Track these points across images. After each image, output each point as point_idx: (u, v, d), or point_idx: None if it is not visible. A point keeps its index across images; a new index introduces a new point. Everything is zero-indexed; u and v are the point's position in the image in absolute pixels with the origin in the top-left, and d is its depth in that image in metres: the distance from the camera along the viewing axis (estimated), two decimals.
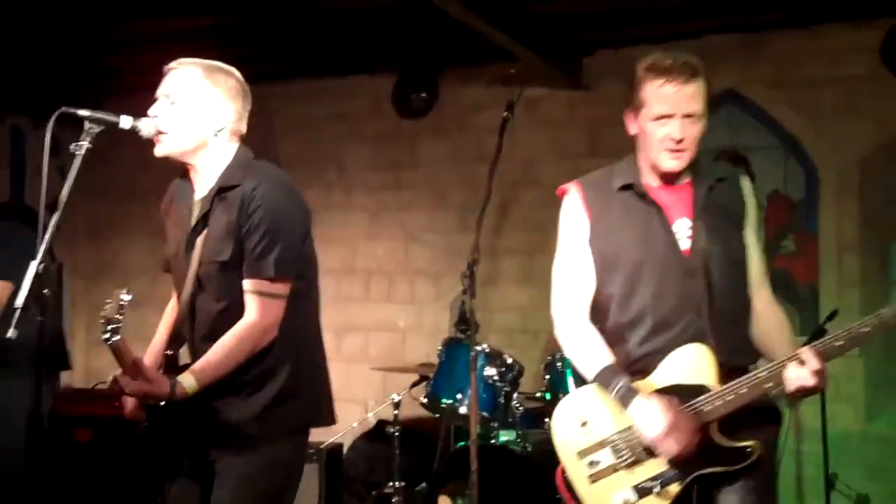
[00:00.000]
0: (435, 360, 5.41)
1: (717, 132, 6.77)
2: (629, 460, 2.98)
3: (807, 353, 2.89)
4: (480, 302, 4.62)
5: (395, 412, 5.59)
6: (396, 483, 5.54)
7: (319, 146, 7.82)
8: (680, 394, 2.95)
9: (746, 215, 3.15)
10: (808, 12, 6.32)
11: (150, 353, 3.36)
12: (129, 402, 3.26)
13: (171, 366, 3.21)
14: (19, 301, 2.68)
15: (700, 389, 2.94)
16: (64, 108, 2.89)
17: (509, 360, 5.21)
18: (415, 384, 5.84)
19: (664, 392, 2.96)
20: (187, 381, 3.00)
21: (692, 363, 2.97)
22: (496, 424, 5.07)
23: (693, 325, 3.00)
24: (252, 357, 3.09)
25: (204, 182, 3.24)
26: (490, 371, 5.10)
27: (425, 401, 5.32)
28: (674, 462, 2.91)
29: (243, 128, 3.29)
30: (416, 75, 7.49)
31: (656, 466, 2.94)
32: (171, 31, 6.22)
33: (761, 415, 3.05)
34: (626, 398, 2.95)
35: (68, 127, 2.94)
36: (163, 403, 3.05)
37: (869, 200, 6.32)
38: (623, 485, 2.97)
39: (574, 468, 3.07)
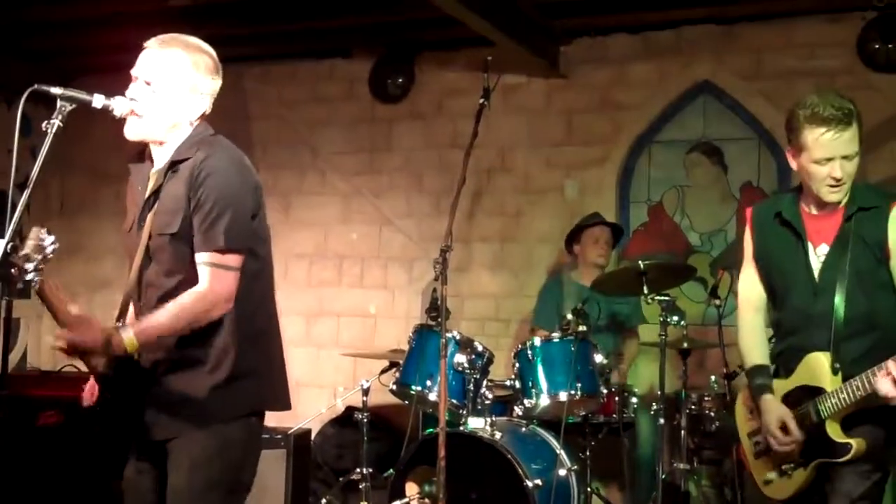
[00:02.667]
0: (405, 346, 5.40)
1: (692, 123, 6.80)
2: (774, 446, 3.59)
3: (891, 363, 3.22)
4: (452, 289, 4.62)
5: (364, 398, 5.57)
6: (364, 469, 5.53)
7: (294, 129, 7.78)
8: (804, 394, 3.52)
9: (887, 244, 3.46)
10: (784, 5, 6.36)
11: None
12: (88, 393, 3.23)
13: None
14: None
15: (819, 391, 3.46)
16: (36, 86, 2.85)
17: (479, 348, 5.21)
18: (384, 370, 5.82)
19: (792, 392, 3.57)
20: (126, 334, 2.95)
21: (815, 369, 3.49)
22: (465, 412, 5.07)
23: (816, 335, 3.49)
24: (201, 331, 3.05)
25: (164, 156, 3.20)
26: (460, 358, 5.09)
27: (394, 387, 5.31)
28: (800, 451, 3.51)
29: (210, 107, 3.26)
30: (392, 60, 7.46)
31: (792, 453, 3.54)
32: (145, 11, 6.17)
33: (882, 415, 3.41)
34: (756, 394, 3.65)
35: (41, 106, 2.90)
36: (111, 374, 3.03)
37: None
38: (773, 464, 3.63)
39: (746, 445, 3.78)
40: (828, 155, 3.44)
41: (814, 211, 3.60)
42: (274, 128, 7.78)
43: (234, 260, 3.08)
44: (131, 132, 3.14)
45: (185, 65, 3.15)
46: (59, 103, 2.90)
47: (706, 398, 5.62)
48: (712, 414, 5.60)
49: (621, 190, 6.97)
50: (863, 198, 3.54)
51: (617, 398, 5.45)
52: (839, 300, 3.45)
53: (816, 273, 3.53)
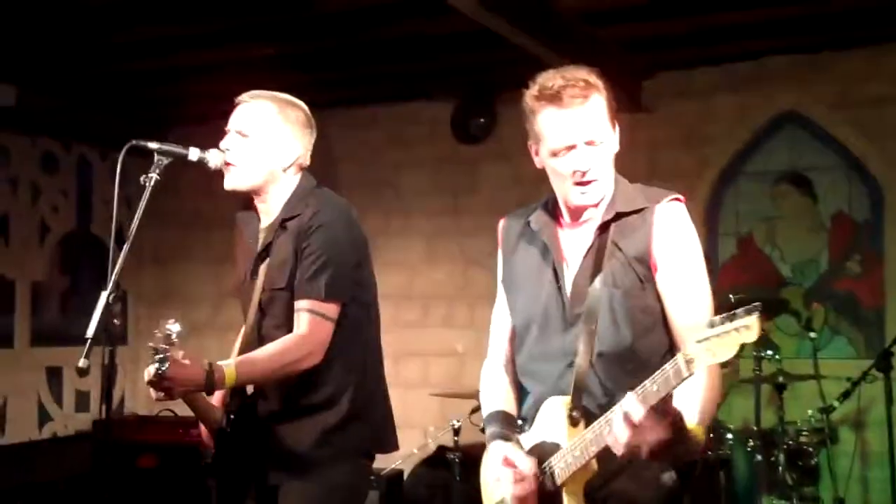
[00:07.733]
0: None
1: (779, 154, 6.72)
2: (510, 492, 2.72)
3: (627, 401, 2.32)
4: None
5: (455, 438, 5.58)
6: None
7: (378, 172, 7.86)
8: (542, 452, 2.66)
9: (651, 253, 2.66)
10: (868, 32, 6.25)
11: None
12: (205, 430, 3.31)
13: (239, 391, 3.25)
14: (90, 332, 2.70)
15: (556, 448, 2.62)
16: (134, 142, 2.93)
17: None
18: (475, 410, 5.81)
19: (533, 448, 2.71)
20: (227, 367, 2.99)
21: (552, 418, 2.66)
22: None
23: (565, 377, 2.66)
24: (312, 379, 3.14)
25: (269, 211, 3.30)
26: None
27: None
28: None
29: (308, 160, 3.33)
30: (473, 100, 7.49)
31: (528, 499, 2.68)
32: (231, 59, 6.30)
33: (646, 480, 2.64)
34: (488, 443, 2.85)
35: (135, 157, 2.98)
36: (228, 429, 3.15)
37: None
38: None
39: None
40: (567, 142, 2.65)
41: (569, 221, 2.79)
42: (358, 170, 7.85)
43: (332, 310, 3.15)
44: (229, 183, 3.24)
45: (274, 114, 3.24)
46: (156, 157, 2.99)
47: (804, 433, 5.52)
48: (811, 449, 5.50)
49: (709, 223, 6.89)
50: (624, 199, 2.74)
51: (711, 434, 5.37)
52: (586, 332, 2.62)
53: (568, 299, 2.71)
